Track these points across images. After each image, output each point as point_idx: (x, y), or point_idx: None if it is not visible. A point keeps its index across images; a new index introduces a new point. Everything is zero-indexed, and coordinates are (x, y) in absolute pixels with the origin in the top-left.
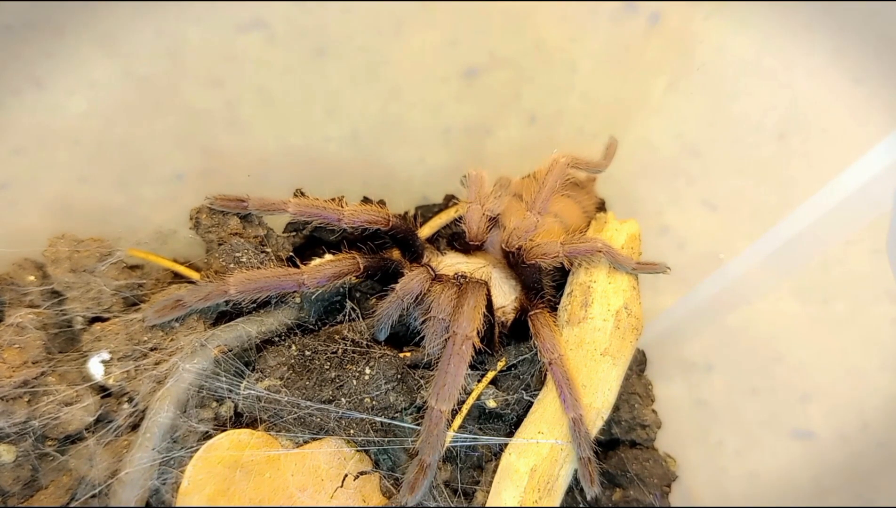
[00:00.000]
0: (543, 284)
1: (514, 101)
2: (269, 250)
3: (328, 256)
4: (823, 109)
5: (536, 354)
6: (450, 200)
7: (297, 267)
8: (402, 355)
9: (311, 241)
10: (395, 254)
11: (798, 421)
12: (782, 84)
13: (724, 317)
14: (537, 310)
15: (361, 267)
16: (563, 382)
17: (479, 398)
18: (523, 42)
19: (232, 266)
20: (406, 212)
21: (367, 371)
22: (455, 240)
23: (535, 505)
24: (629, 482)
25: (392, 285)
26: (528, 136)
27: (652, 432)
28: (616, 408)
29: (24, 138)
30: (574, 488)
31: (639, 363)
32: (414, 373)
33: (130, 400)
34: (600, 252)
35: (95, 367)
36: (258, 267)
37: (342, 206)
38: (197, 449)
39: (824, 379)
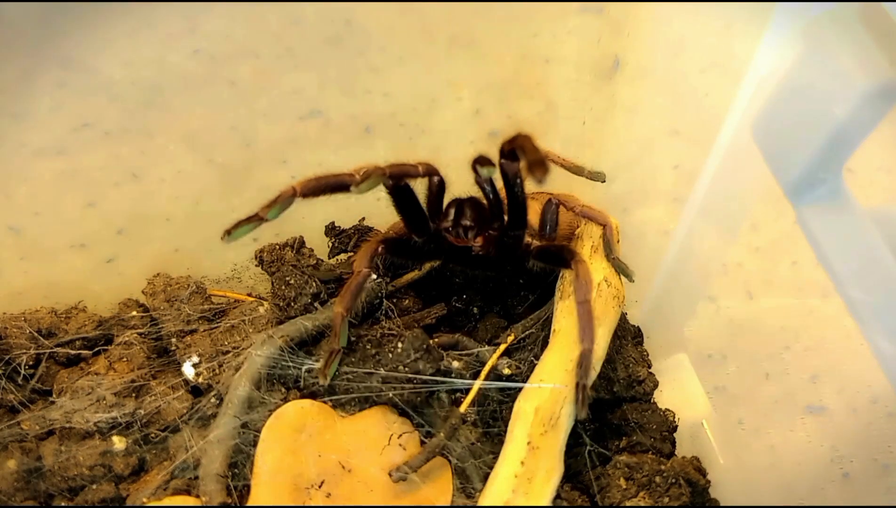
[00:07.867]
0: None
1: None
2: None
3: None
4: None
5: (540, 327)
6: None
7: None
8: (433, 341)
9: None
10: None
11: (811, 398)
12: None
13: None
14: (581, 261)
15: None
16: (588, 319)
17: (495, 367)
18: (536, 105)
19: (284, 287)
20: None
21: (400, 345)
22: None
23: (541, 438)
24: (632, 430)
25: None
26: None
27: (648, 387)
28: (614, 369)
29: (125, 221)
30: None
31: (634, 336)
32: (437, 348)
33: (217, 395)
34: (604, 226)
35: (188, 370)
36: (304, 286)
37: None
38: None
39: (831, 362)
